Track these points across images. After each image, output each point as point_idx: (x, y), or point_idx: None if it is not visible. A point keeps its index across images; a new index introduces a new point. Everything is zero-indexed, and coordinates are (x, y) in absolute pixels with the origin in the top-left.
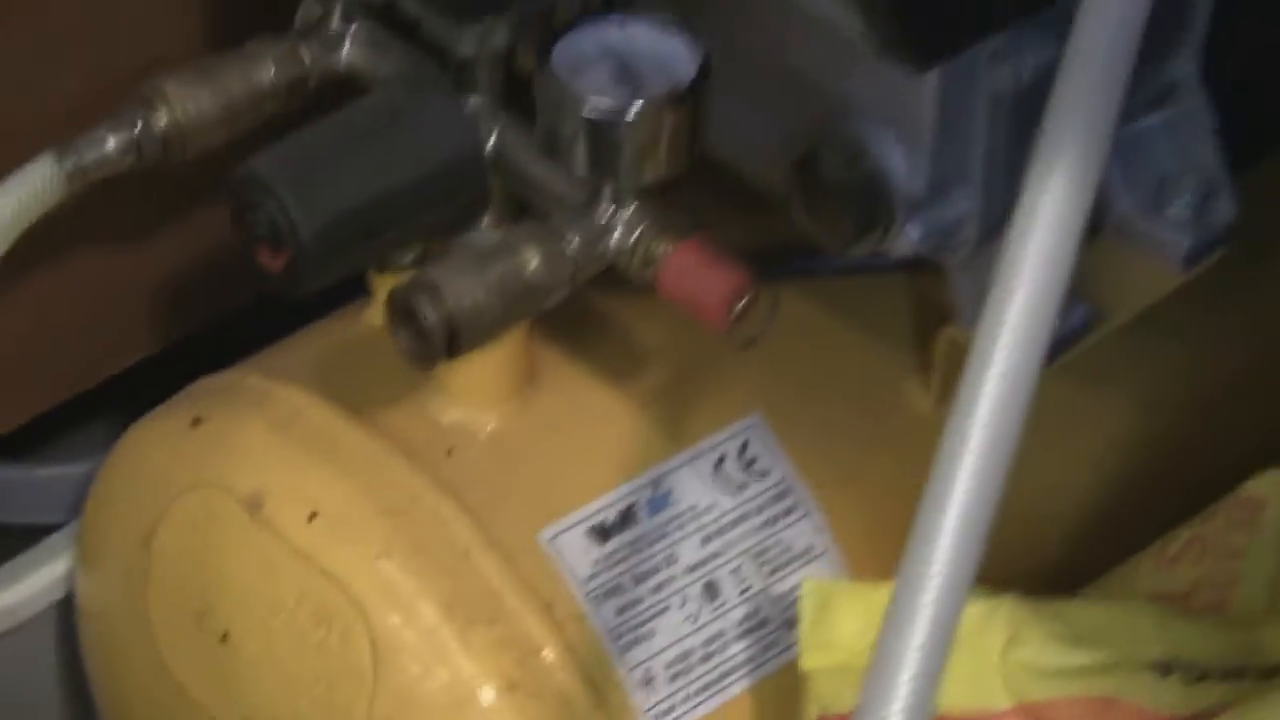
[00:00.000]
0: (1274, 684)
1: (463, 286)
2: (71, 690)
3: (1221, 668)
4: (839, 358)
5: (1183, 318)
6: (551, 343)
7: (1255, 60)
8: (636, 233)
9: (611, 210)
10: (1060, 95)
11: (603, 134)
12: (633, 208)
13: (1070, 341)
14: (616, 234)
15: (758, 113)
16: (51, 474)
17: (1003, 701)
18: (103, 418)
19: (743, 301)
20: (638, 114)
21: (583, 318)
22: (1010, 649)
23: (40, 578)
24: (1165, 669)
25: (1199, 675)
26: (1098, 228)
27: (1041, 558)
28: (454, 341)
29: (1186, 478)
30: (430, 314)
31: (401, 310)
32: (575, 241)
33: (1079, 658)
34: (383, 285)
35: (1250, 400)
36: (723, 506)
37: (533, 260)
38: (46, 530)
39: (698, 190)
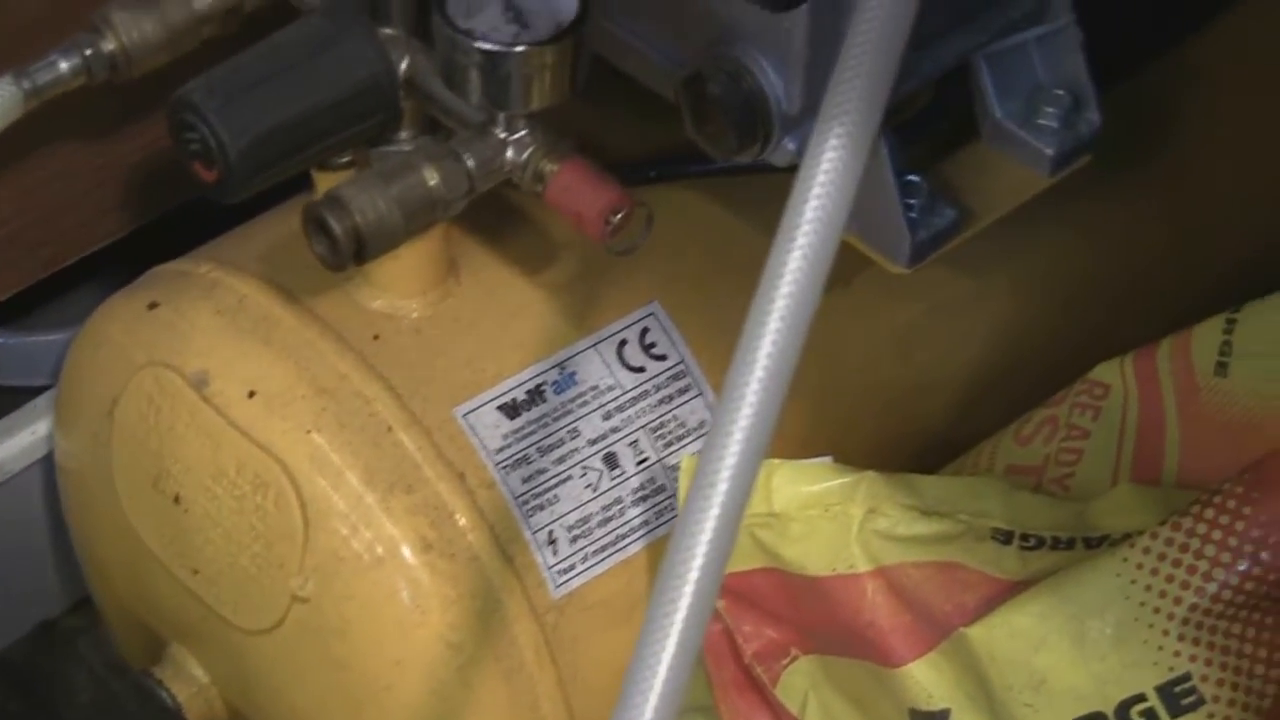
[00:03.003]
0: (1095, 553)
1: (367, 201)
2: (58, 538)
3: (1054, 537)
4: (732, 250)
5: (1047, 218)
6: (472, 235)
7: None
8: (526, 153)
9: (504, 133)
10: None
11: (493, 69)
12: (522, 132)
13: (938, 242)
14: (509, 154)
15: (655, 33)
16: (37, 340)
17: (862, 565)
18: (89, 288)
19: (618, 215)
20: (523, 52)
21: (500, 213)
22: (868, 519)
23: (26, 436)
24: (1006, 537)
25: (1035, 544)
26: (974, 134)
27: (928, 422)
28: (361, 249)
29: (1051, 357)
30: (338, 226)
31: (314, 222)
32: (472, 160)
33: (928, 526)
34: (323, 181)
35: (1101, 291)
36: (623, 386)
37: (432, 177)
38: (36, 392)
39: (612, 98)
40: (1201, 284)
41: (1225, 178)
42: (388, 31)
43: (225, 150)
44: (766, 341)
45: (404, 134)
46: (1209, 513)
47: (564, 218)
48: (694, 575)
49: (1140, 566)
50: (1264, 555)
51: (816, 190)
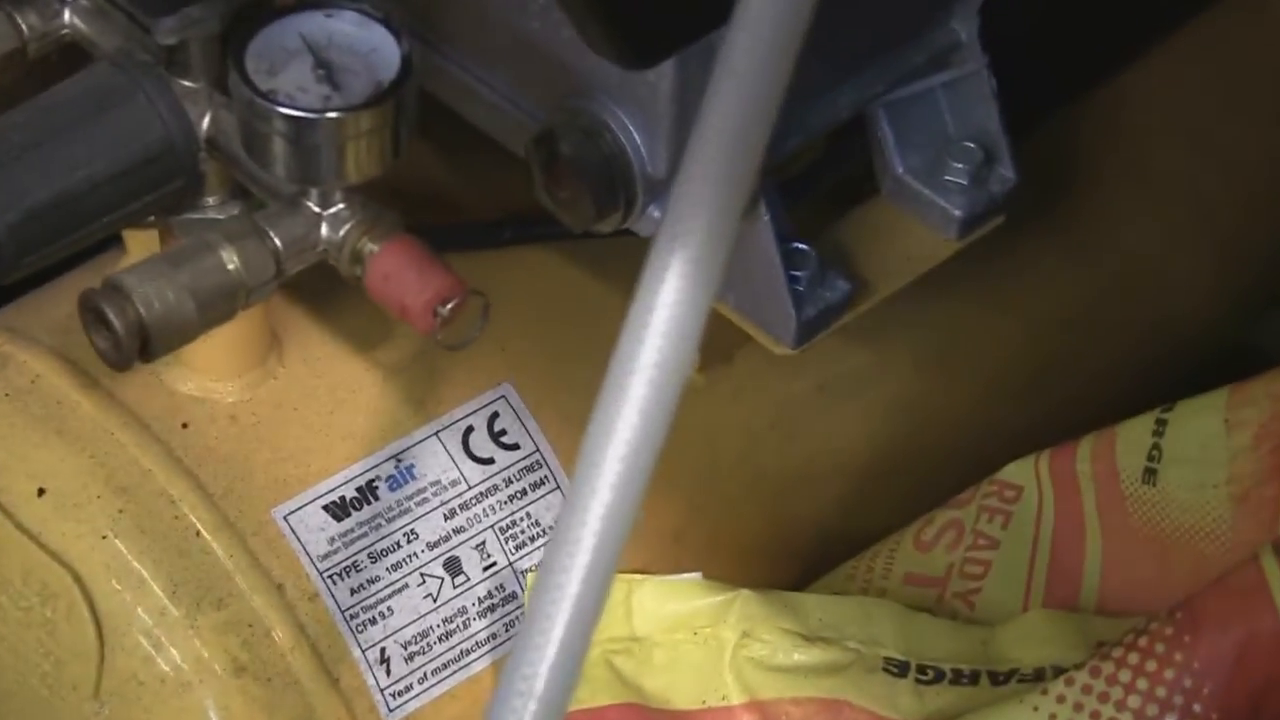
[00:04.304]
0: (1004, 692)
1: (153, 290)
2: None
3: (956, 669)
4: (598, 322)
5: (951, 285)
6: (296, 308)
7: (1039, 22)
8: (343, 230)
9: (317, 207)
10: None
11: (300, 139)
12: (339, 206)
13: (831, 316)
14: (323, 231)
15: (504, 84)
16: None
17: (736, 697)
18: None
19: (448, 306)
20: (335, 119)
21: (331, 279)
22: (743, 644)
23: None
24: (901, 669)
25: (933, 678)
26: (873, 190)
27: (818, 513)
28: (146, 346)
29: (954, 443)
30: (119, 320)
31: (92, 313)
32: (279, 240)
33: (811, 655)
34: (133, 238)
35: (1012, 368)
36: (469, 480)
37: (231, 260)
38: None
39: (465, 146)
40: (1121, 354)
41: (1145, 236)
42: (186, 84)
43: None
44: (620, 434)
45: (210, 199)
46: (1133, 656)
47: (386, 308)
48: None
49: (1054, 717)
50: (1196, 708)
51: (676, 264)
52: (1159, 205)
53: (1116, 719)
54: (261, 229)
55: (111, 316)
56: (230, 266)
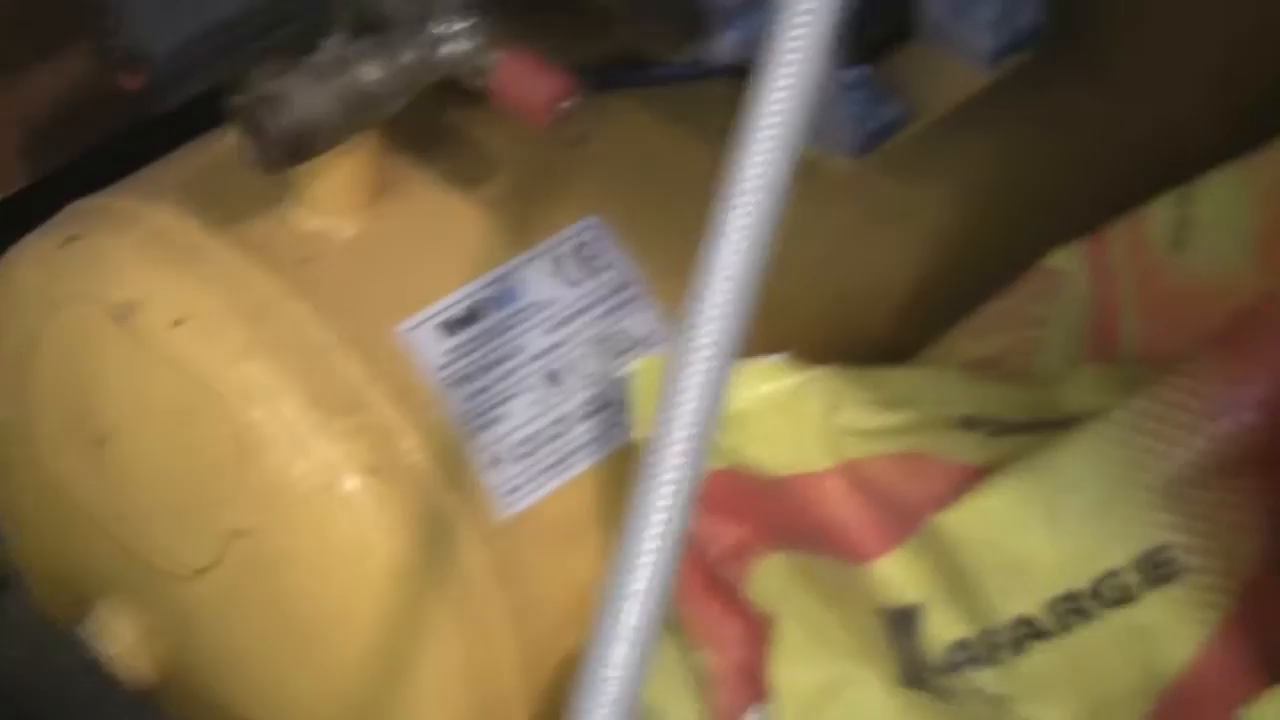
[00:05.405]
0: (1066, 432)
1: (305, 97)
2: None
3: (1020, 422)
4: (672, 160)
5: (994, 114)
6: (403, 153)
7: None
8: (467, 45)
9: (443, 25)
10: None
11: None
12: (460, 25)
13: (886, 133)
14: (448, 47)
15: None
16: None
17: (824, 462)
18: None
19: (565, 103)
20: None
21: (431, 129)
22: (829, 414)
23: None
24: (970, 424)
25: (1000, 430)
26: (913, 31)
27: (872, 332)
28: (298, 148)
29: (1000, 259)
30: (274, 124)
31: (249, 120)
32: (410, 56)
33: (891, 418)
34: None
35: (1053, 186)
36: (565, 300)
37: (371, 74)
38: None
39: (546, 9)
40: (1148, 176)
41: (1166, 68)
42: None
43: (151, 50)
44: (735, 236)
45: (336, 42)
46: (1184, 380)
47: (510, 109)
48: (671, 478)
49: (1115, 439)
50: (1244, 416)
51: (787, 60)
52: (1167, 43)
53: (1173, 434)
54: (394, 48)
55: (268, 121)
56: (370, 78)
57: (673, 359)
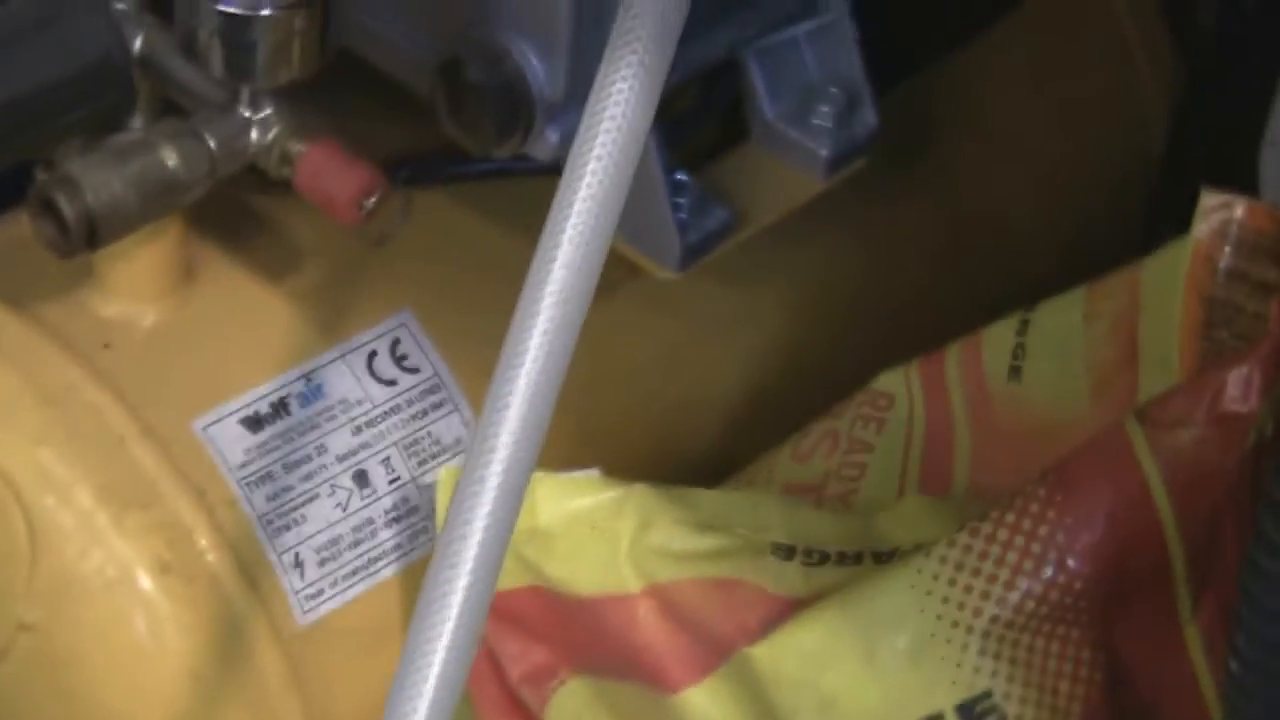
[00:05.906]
0: (886, 566)
1: (101, 181)
2: None
3: (839, 552)
4: (487, 256)
5: (824, 224)
6: (210, 240)
7: None
8: (273, 132)
9: (248, 112)
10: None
11: (236, 37)
12: (268, 110)
13: (709, 244)
14: (254, 133)
15: (405, 19)
16: None
17: (634, 584)
18: None
19: (372, 199)
20: (269, 17)
21: (241, 216)
22: (640, 534)
23: None
24: (788, 553)
25: (819, 559)
26: (744, 134)
27: (698, 440)
28: (93, 234)
29: (827, 373)
30: (68, 208)
31: (42, 203)
32: (213, 140)
33: (704, 542)
34: None
35: (879, 303)
36: (374, 399)
37: (171, 157)
38: None
39: (359, 97)
40: (984, 286)
41: (999, 178)
42: (119, 6)
43: None
44: (535, 341)
45: (138, 121)
46: (1010, 517)
47: (314, 203)
48: (460, 595)
49: (936, 577)
50: (1069, 562)
51: (592, 166)
52: (999, 153)
53: (996, 574)
54: (197, 130)
55: (62, 205)
56: (170, 163)
57: (466, 466)
